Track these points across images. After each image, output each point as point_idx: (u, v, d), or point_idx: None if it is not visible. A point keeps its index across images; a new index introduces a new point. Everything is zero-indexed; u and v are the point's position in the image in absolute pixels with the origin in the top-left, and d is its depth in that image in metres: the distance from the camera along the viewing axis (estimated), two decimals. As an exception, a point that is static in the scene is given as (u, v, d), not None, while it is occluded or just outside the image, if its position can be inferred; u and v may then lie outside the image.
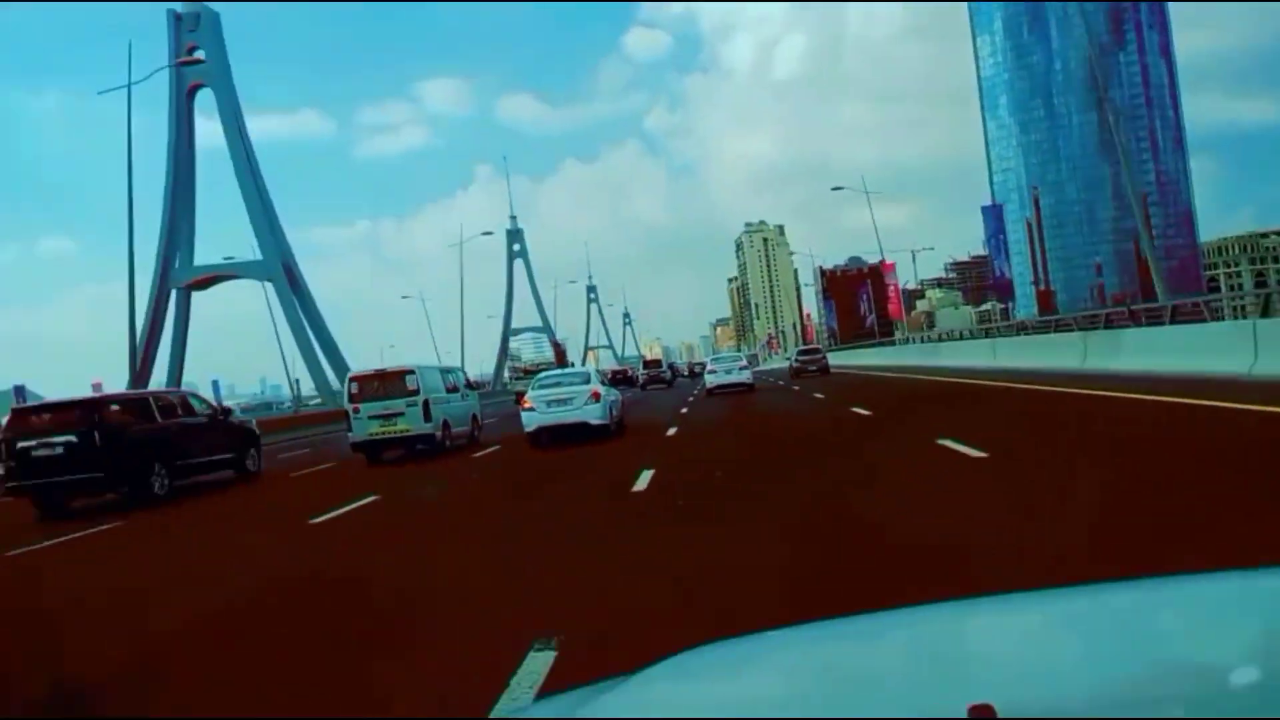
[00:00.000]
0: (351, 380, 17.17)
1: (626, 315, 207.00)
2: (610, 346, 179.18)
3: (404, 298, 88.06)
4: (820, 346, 62.58)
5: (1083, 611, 1.27)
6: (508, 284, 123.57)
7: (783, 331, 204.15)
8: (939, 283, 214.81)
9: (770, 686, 1.18)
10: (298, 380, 65.63)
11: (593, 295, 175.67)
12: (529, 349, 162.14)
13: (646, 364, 59.99)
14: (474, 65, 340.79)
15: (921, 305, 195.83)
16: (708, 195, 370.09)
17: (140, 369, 41.98)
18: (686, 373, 78.43)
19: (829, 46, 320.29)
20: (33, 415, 13.43)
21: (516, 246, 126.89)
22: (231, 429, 15.77)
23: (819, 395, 22.15)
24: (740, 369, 31.45)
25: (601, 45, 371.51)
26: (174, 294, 61.04)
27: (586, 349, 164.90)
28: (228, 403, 32.99)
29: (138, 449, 12.93)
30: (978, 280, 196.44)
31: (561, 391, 15.90)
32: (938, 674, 1.14)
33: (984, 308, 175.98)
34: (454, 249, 62.94)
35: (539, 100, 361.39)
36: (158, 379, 53.04)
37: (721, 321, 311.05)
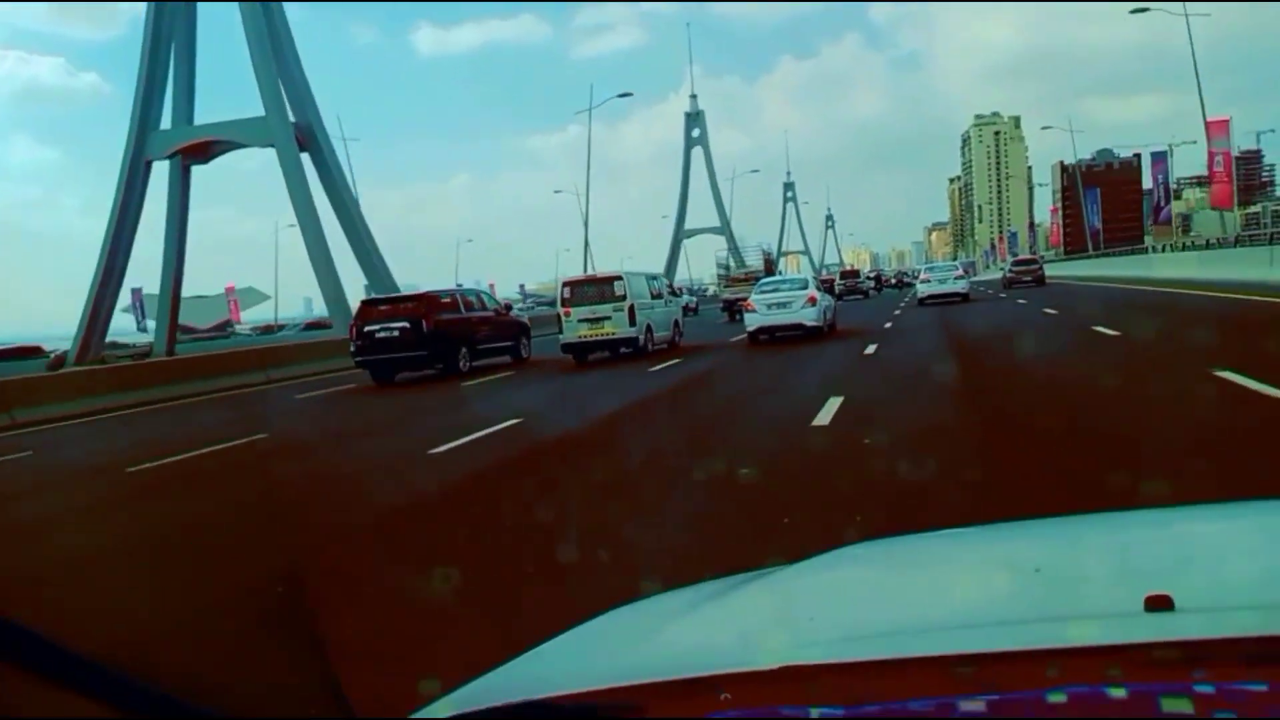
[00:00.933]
0: (564, 285, 18.96)
1: (830, 219, 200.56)
2: (806, 252, 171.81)
3: (556, 192, 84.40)
4: (1037, 257, 61.82)
5: (1259, 525, 1.34)
6: (683, 177, 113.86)
7: (1013, 235, 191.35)
8: (1198, 181, 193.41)
9: (949, 583, 1.31)
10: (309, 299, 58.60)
11: (790, 194, 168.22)
12: (723, 256, 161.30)
13: (844, 274, 57.79)
14: None
15: (1177, 207, 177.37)
16: (932, 89, 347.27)
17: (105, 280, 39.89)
18: (894, 282, 75.32)
19: None
20: (377, 306, 18.02)
21: (696, 132, 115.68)
22: (511, 323, 20.00)
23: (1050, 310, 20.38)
24: (956, 279, 31.74)
25: None
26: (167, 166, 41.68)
27: (780, 253, 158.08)
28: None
29: (450, 335, 17.11)
30: (1244, 180, 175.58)
31: (781, 295, 18.70)
32: (1116, 570, 1.23)
33: (1253, 209, 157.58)
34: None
35: None
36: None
37: (938, 226, 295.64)
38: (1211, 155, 42.40)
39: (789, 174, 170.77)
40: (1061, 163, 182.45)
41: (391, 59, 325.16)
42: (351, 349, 17.46)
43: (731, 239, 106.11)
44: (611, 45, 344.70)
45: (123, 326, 55.45)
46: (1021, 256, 59.47)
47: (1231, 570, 1.17)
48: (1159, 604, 0.88)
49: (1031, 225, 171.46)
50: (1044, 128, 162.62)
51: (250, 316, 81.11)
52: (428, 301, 17.46)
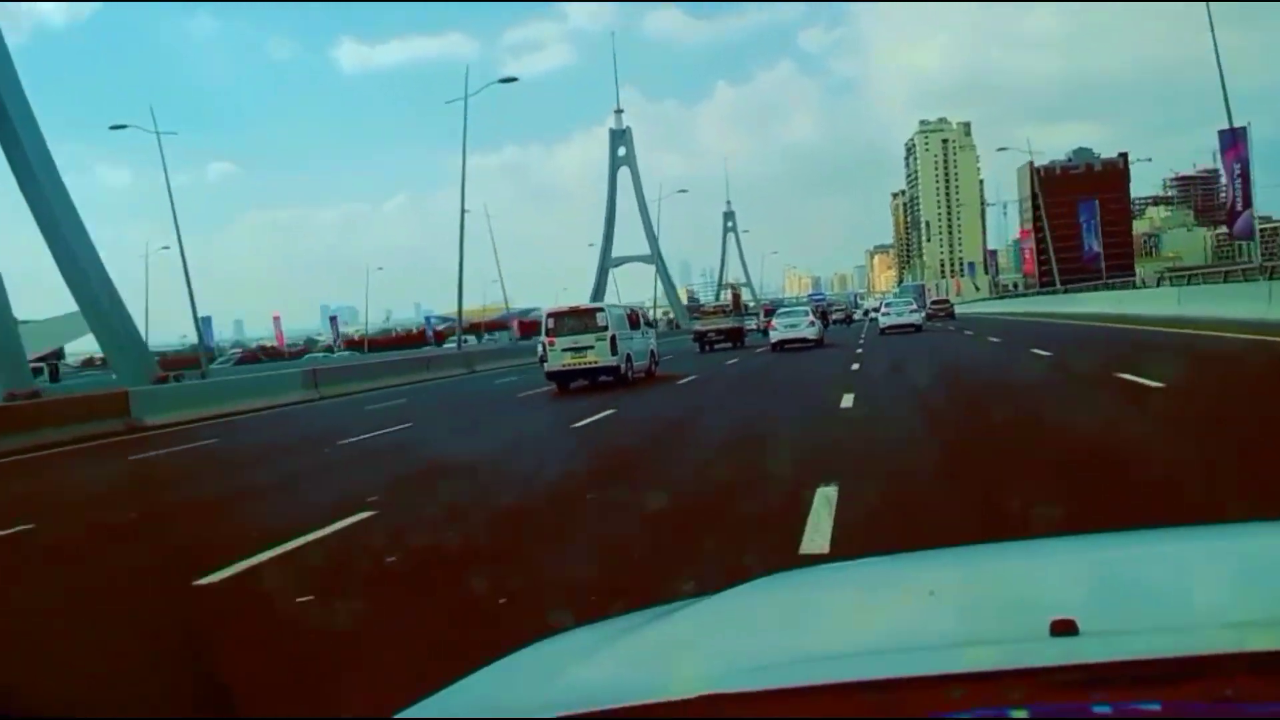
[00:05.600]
0: (548, 316, 23.56)
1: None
2: (749, 283, 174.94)
3: (466, 211, 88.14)
4: (948, 299, 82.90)
5: (1168, 553, 1.73)
6: (609, 200, 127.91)
7: (970, 266, 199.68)
8: (1155, 200, 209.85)
9: (866, 609, 1.65)
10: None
11: (730, 224, 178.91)
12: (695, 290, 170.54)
13: (828, 307, 66.12)
14: None
15: (1139, 226, 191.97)
16: (868, 115, 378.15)
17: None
18: (844, 318, 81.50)
19: None
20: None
21: (622, 150, 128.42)
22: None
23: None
24: (911, 311, 44.96)
25: None
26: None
27: (721, 286, 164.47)
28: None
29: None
30: (1203, 200, 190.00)
31: (793, 320, 36.35)
32: (1023, 596, 1.55)
33: (1222, 230, 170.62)
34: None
35: (688, 15, 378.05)
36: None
37: (880, 249, 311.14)
38: (1130, 216, 51.30)
39: (729, 203, 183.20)
40: (1031, 163, 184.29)
41: (312, 75, 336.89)
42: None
43: (662, 265, 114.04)
44: (543, 65, 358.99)
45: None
46: (937, 298, 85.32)
47: (1136, 595, 1.43)
48: (1064, 628, 1.06)
49: (986, 253, 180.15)
50: (1000, 149, 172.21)
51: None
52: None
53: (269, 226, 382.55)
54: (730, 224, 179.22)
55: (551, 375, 22.75)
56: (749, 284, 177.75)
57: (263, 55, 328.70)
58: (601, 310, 23.12)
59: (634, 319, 25.14)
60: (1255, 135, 40.69)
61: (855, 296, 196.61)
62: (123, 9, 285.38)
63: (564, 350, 22.33)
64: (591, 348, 22.17)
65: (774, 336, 35.14)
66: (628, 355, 22.90)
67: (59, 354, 74.32)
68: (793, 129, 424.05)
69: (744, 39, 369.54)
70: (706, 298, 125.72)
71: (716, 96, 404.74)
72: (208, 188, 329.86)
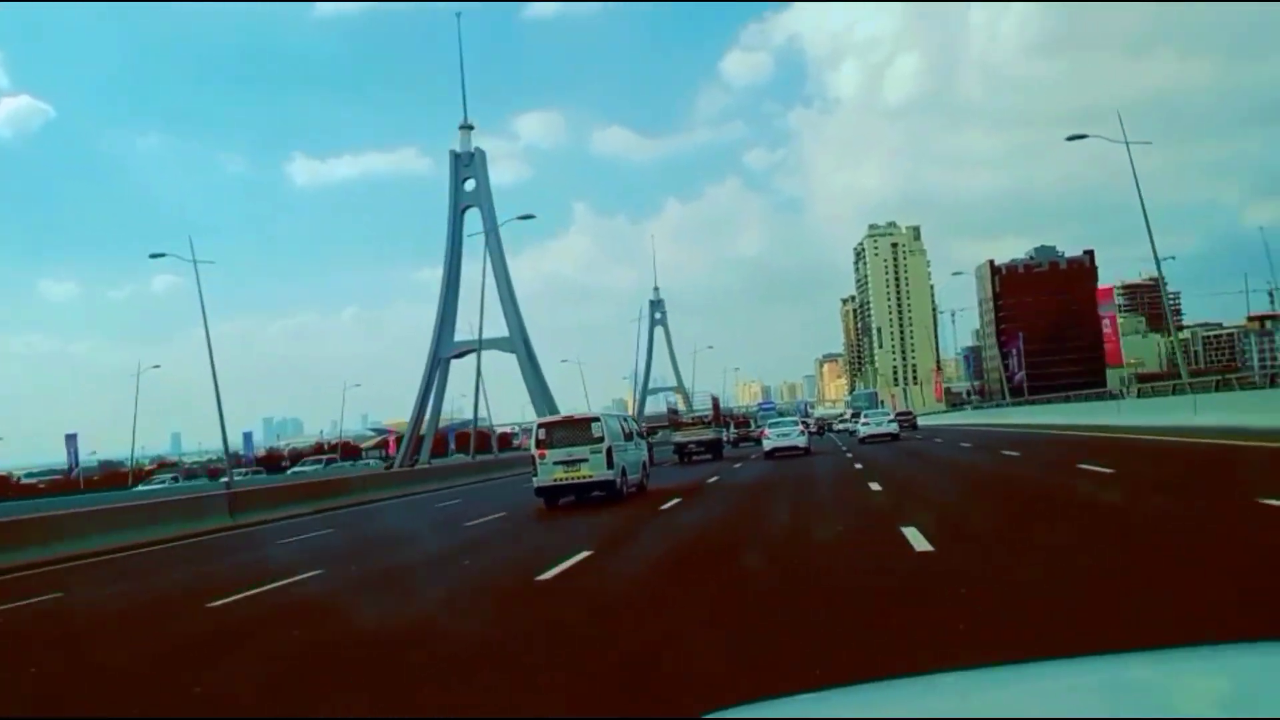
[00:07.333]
0: (539, 426, 23.28)
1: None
2: (680, 386, 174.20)
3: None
4: (911, 410, 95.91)
5: (1099, 682, 1.83)
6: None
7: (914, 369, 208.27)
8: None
9: None
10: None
11: (658, 314, 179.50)
12: (673, 400, 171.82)
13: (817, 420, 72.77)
14: (568, 96, 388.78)
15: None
16: (813, 229, 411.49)
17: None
18: (817, 430, 79.53)
19: (944, 67, 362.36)
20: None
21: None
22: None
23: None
24: (889, 422, 51.92)
25: (699, 76, 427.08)
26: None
27: (645, 388, 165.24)
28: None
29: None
30: (1150, 309, 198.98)
31: (784, 429, 42.58)
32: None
33: (1185, 335, 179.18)
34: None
35: (637, 135, 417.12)
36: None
37: (829, 357, 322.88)
38: (1100, 319, 60.09)
39: (656, 288, 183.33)
40: (990, 262, 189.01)
41: (265, 187, 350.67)
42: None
43: (542, 394, 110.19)
44: (493, 180, 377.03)
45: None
46: (902, 410, 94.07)
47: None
48: None
49: (938, 367, 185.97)
50: (956, 274, 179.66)
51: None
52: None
53: (216, 338, 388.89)
54: (658, 315, 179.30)
55: (541, 491, 22.16)
56: (681, 386, 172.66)
57: (215, 169, 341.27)
58: (597, 420, 22.80)
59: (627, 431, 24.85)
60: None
61: (805, 405, 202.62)
62: (71, 120, 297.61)
63: (556, 463, 21.80)
64: (586, 460, 21.72)
65: (767, 445, 41.33)
66: (623, 469, 22.56)
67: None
68: (742, 242, 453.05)
69: (691, 158, 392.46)
70: (615, 396, 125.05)
71: (667, 211, 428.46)
72: (154, 299, 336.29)
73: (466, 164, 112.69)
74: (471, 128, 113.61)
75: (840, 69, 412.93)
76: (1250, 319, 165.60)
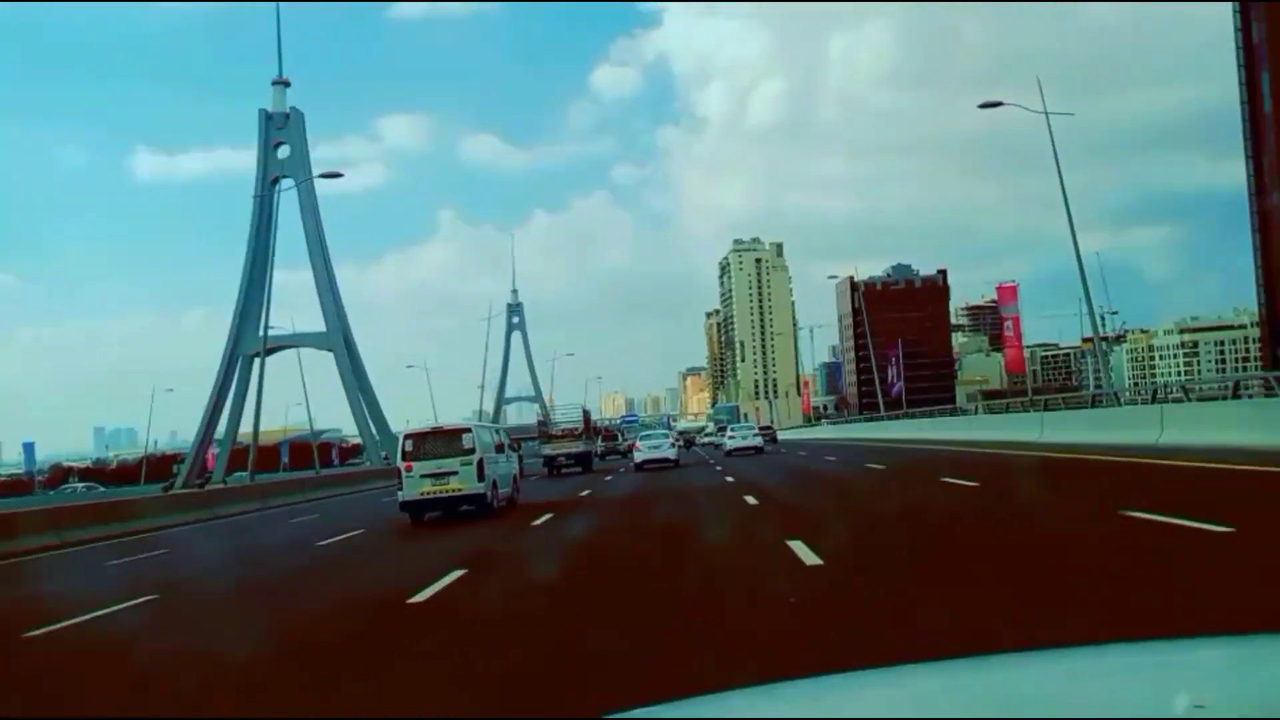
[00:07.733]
0: (406, 438, 22.34)
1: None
2: (538, 396, 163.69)
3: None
4: (772, 425, 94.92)
5: (1079, 670, 1.89)
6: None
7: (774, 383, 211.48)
8: (952, 327, 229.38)
9: None
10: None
11: (515, 320, 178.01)
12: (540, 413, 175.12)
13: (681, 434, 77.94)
14: (436, 101, 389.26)
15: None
16: (681, 244, 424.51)
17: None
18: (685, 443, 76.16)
19: (806, 93, 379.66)
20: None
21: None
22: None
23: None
24: (754, 435, 54.08)
25: (569, 88, 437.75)
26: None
27: (500, 394, 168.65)
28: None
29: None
30: (993, 329, 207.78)
31: (655, 442, 43.65)
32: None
33: (1026, 354, 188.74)
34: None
35: (505, 144, 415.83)
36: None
37: (692, 370, 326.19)
38: (1002, 320, 61.84)
39: (515, 290, 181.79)
40: (851, 279, 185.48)
41: (100, 185, 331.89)
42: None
43: (365, 399, 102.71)
44: (351, 183, 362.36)
45: None
46: (763, 424, 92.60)
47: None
48: None
49: (800, 382, 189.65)
50: (830, 277, 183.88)
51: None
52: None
53: (46, 343, 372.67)
54: (516, 319, 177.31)
55: (406, 505, 21.11)
56: (538, 396, 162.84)
57: (49, 159, 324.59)
58: (468, 431, 22.00)
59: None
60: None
61: (668, 418, 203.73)
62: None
63: (423, 476, 20.87)
64: (455, 473, 20.82)
65: (639, 456, 42.27)
66: (494, 482, 21.64)
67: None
68: (609, 254, 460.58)
69: (560, 169, 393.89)
70: (475, 407, 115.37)
71: (533, 222, 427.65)
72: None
73: (280, 126, 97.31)
74: (288, 84, 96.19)
75: (707, 89, 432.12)
76: (1085, 340, 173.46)
